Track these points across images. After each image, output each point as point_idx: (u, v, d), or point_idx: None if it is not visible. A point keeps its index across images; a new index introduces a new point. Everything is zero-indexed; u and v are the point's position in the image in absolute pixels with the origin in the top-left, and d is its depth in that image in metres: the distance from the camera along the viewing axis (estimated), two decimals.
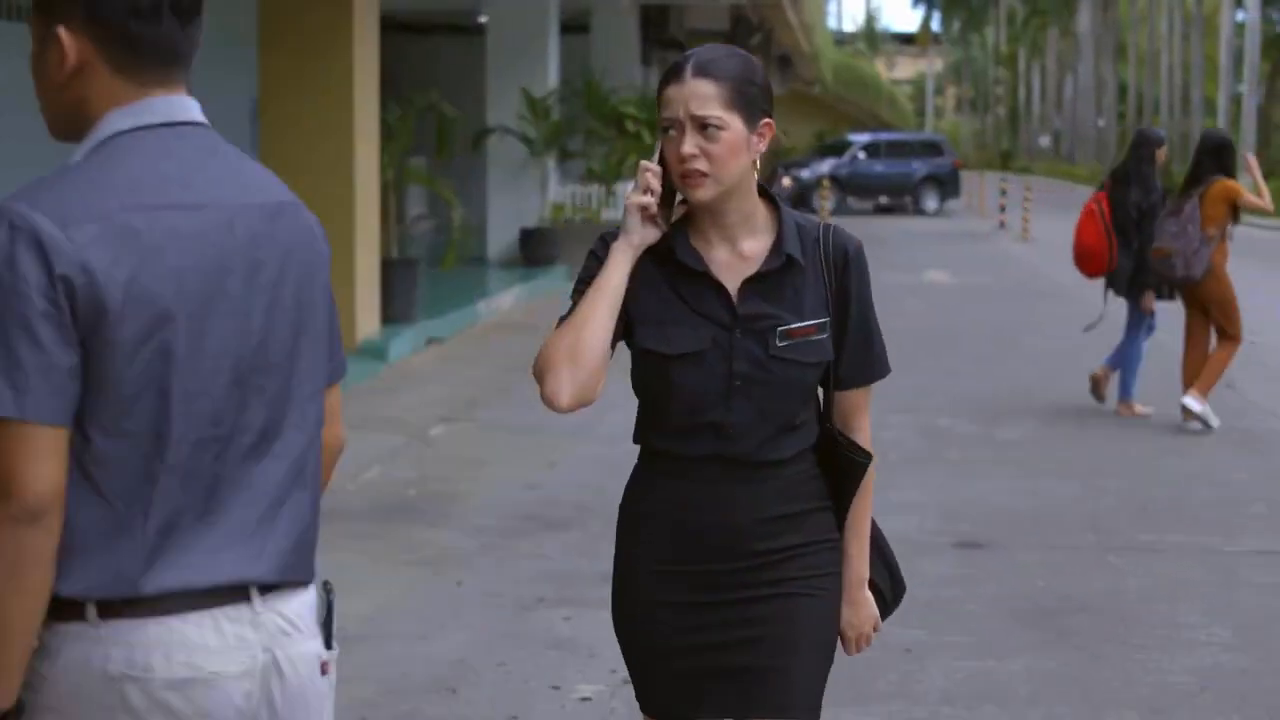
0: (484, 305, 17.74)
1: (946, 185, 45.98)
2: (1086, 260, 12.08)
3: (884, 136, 50.53)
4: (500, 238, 22.97)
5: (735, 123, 3.17)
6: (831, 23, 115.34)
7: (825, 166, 44.64)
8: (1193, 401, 11.39)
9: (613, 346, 3.23)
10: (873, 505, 3.45)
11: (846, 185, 44.71)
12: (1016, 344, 16.28)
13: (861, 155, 46.11)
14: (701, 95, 3.15)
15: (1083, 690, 6.06)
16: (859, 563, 3.44)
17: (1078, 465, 10.32)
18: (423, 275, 15.89)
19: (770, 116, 3.27)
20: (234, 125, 24.76)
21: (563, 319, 3.24)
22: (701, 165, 3.15)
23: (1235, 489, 9.75)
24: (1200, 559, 8.06)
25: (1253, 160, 12.29)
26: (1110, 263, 11.86)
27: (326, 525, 7.30)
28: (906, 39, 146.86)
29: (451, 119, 17.30)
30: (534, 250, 22.46)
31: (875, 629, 3.51)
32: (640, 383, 3.35)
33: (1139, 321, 11.99)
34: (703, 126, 3.15)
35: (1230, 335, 11.64)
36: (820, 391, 3.40)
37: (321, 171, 13.86)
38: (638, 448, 3.41)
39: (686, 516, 3.29)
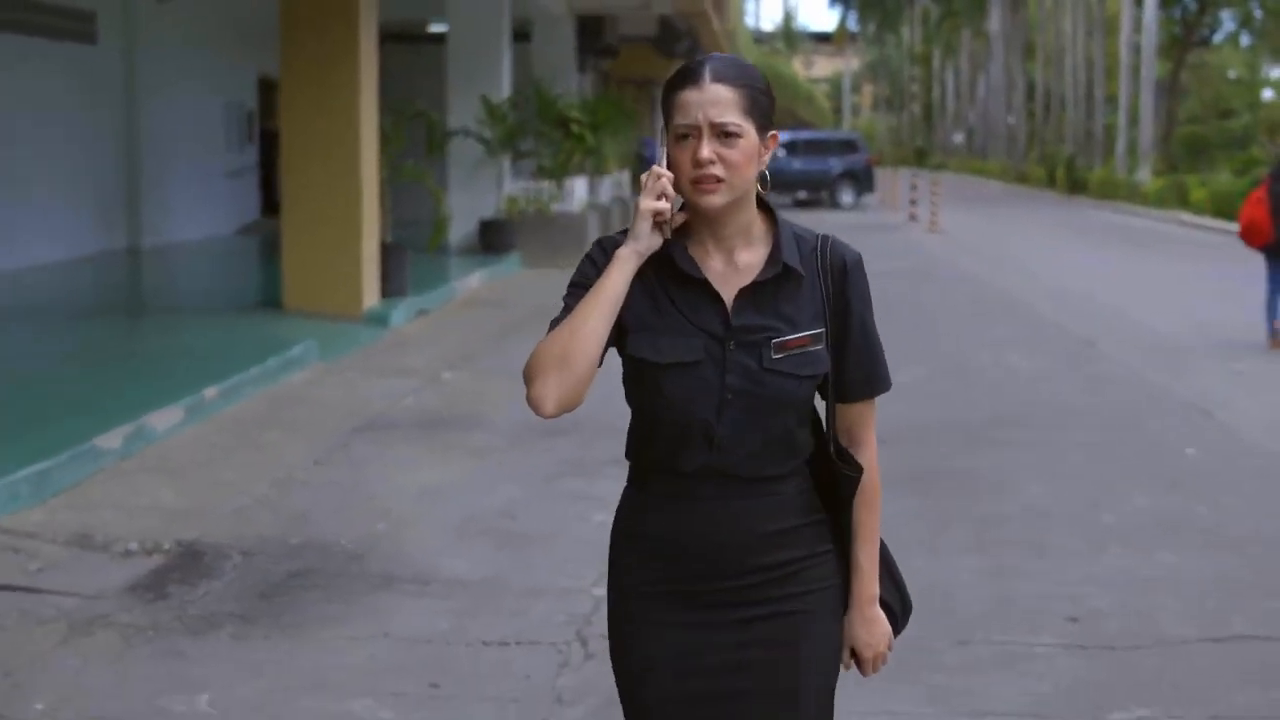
0: (458, 284, 20.43)
1: (862, 181, 48.26)
2: (1253, 235, 16.21)
3: (802, 135, 52.52)
4: (461, 228, 25.17)
5: (750, 130, 3.12)
6: (750, 22, 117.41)
7: None
8: None
9: (605, 352, 3.17)
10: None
11: (767, 181, 46.91)
12: (915, 313, 19.02)
13: (781, 153, 48.08)
14: (722, 101, 3.10)
15: (936, 516, 8.87)
16: (870, 579, 3.36)
17: (953, 395, 13.11)
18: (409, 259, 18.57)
19: (774, 128, 3.23)
20: (208, 125, 27.35)
21: (555, 321, 3.16)
22: (718, 171, 3.10)
23: (1074, 409, 12.55)
24: (1034, 448, 10.90)
25: None
26: (1270, 236, 15.94)
27: (385, 433, 10.35)
28: (824, 38, 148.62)
29: (435, 124, 19.94)
30: (492, 239, 25.01)
31: (889, 646, 3.43)
32: (632, 393, 3.26)
33: None
34: (722, 133, 3.10)
35: None
36: (821, 402, 3.36)
37: (335, 172, 16.51)
38: (623, 448, 3.37)
39: (682, 534, 3.21)
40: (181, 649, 6.52)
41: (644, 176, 3.18)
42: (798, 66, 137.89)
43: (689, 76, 3.15)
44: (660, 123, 3.30)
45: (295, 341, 13.98)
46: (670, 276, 3.20)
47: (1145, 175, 51.04)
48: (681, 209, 3.21)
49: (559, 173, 26.47)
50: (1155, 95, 56.12)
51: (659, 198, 3.12)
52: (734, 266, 3.21)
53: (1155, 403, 12.92)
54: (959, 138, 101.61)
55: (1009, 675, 6.28)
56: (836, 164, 48.09)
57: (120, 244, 24.02)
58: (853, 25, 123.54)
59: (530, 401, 3.09)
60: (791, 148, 48.43)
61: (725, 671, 3.21)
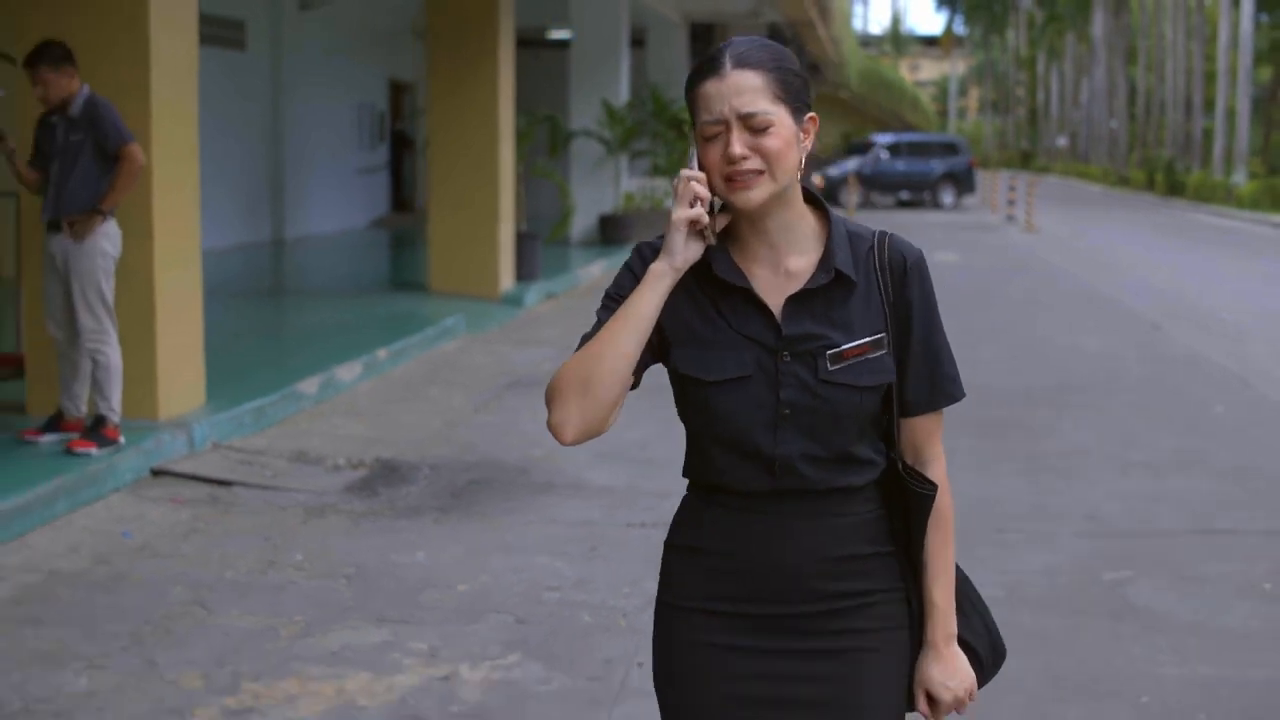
0: (581, 272, 22.45)
1: (962, 182, 49.66)
2: None
3: (905, 137, 53.90)
4: (583, 222, 27.02)
5: (784, 116, 2.80)
6: (857, 25, 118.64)
7: (851, 164, 48.31)
8: None
9: (644, 369, 2.95)
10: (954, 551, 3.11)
11: (871, 182, 48.37)
12: (1000, 303, 20.79)
13: (885, 155, 49.74)
14: (749, 89, 2.78)
15: (992, 451, 10.72)
16: (946, 615, 3.05)
17: (1021, 364, 14.93)
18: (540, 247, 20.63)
19: (812, 110, 2.91)
20: (343, 125, 29.34)
21: (585, 337, 2.91)
22: (755, 164, 2.79)
23: (1128, 378, 14.32)
24: (1088, 405, 12.73)
25: None
26: None
27: (530, 389, 12.61)
28: (930, 41, 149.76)
29: (559, 125, 21.95)
30: (610, 232, 27.06)
31: (971, 696, 3.08)
32: (682, 411, 3.03)
33: None
34: (752, 123, 2.78)
35: None
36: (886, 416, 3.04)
37: (475, 167, 18.51)
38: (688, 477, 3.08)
39: (741, 554, 2.94)
40: (396, 527, 8.53)
41: (674, 181, 2.88)
42: (904, 70, 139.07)
43: (709, 67, 2.84)
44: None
45: (445, 316, 16.02)
46: (714, 287, 2.92)
47: (1241, 178, 52.16)
48: (722, 210, 2.93)
49: (673, 170, 28.25)
50: (1253, 100, 57.00)
51: (692, 204, 2.82)
52: (782, 271, 2.93)
53: (1201, 373, 14.65)
54: (1063, 141, 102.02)
55: (1032, 550, 8.16)
56: (938, 166, 49.54)
57: (265, 235, 26.16)
58: (959, 29, 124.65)
59: (550, 428, 2.88)
60: (895, 150, 50.01)
61: (783, 706, 2.94)
